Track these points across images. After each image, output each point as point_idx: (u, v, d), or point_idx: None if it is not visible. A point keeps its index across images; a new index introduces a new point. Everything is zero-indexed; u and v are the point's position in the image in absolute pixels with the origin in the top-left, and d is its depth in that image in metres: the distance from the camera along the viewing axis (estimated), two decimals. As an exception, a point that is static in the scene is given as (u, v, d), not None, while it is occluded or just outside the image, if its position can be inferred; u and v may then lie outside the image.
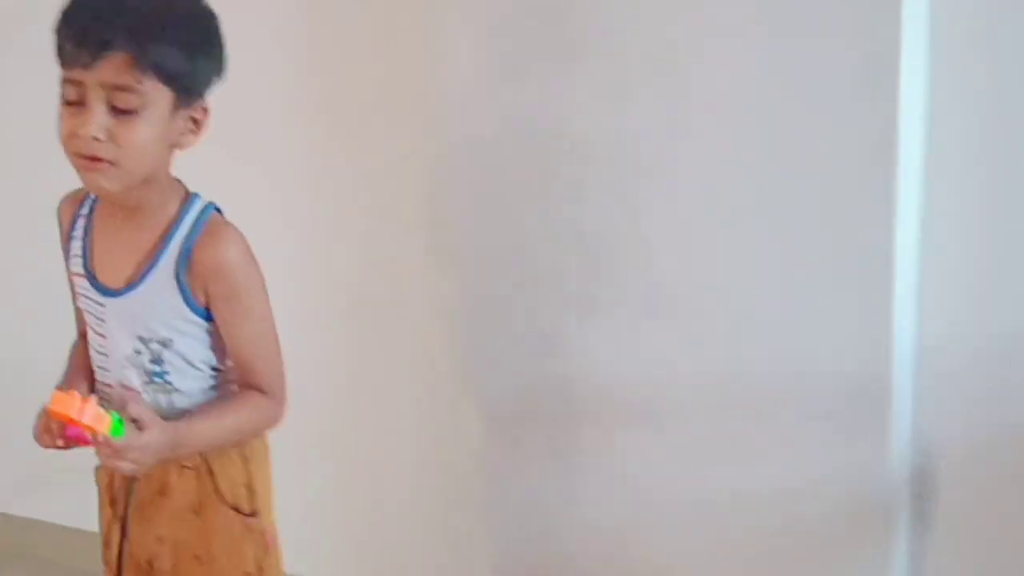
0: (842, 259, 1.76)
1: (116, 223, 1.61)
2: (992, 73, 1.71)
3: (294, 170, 2.19)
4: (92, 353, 1.66)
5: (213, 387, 1.64)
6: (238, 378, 1.64)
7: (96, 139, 1.47)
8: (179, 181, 1.61)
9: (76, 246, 1.64)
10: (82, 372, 1.68)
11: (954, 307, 1.78)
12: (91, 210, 1.64)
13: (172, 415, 1.59)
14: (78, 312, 1.70)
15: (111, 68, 1.45)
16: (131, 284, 1.58)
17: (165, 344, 1.59)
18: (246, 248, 1.58)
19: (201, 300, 1.58)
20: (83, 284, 1.63)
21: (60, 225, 1.69)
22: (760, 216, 1.81)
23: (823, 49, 1.73)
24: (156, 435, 1.52)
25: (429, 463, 2.19)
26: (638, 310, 1.93)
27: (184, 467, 1.63)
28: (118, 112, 1.47)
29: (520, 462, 2.09)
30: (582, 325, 1.98)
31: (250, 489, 1.66)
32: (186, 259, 1.56)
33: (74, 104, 1.48)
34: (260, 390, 1.62)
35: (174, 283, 1.57)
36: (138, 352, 1.60)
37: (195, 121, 1.55)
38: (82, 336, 1.71)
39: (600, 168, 1.92)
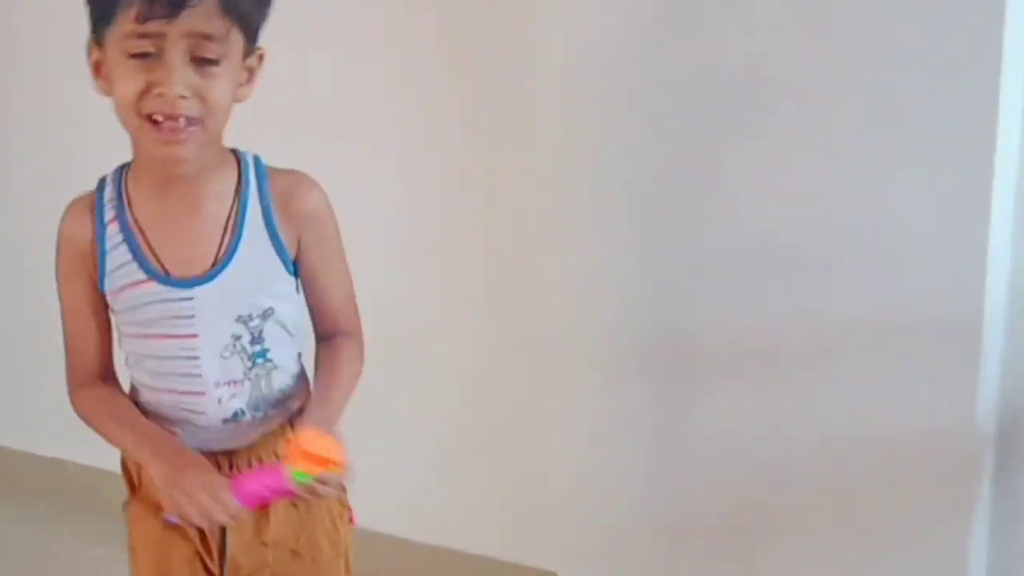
0: (939, 202, 1.69)
1: (170, 205, 1.43)
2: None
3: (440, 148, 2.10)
4: (155, 377, 1.46)
5: (298, 356, 1.53)
6: (321, 327, 1.52)
7: (183, 97, 1.31)
8: None
9: (119, 255, 1.43)
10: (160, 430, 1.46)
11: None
12: (120, 211, 1.43)
13: (273, 396, 1.49)
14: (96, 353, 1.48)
15: (200, 16, 1.30)
16: (223, 260, 1.42)
17: (266, 316, 1.45)
18: (324, 192, 1.49)
19: (293, 252, 1.46)
20: (148, 290, 1.42)
21: (65, 250, 1.45)
22: (858, 163, 1.74)
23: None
24: (328, 427, 1.40)
25: (543, 416, 2.13)
26: (733, 261, 1.88)
27: None
28: (199, 62, 1.32)
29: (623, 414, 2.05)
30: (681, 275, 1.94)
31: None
32: (273, 211, 1.43)
33: (143, 58, 1.31)
34: (344, 333, 1.52)
35: (268, 241, 1.44)
36: (238, 337, 1.44)
37: (250, 71, 1.41)
38: (107, 387, 1.49)
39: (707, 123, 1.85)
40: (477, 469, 2.23)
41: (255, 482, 1.38)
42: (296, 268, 1.47)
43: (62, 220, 1.46)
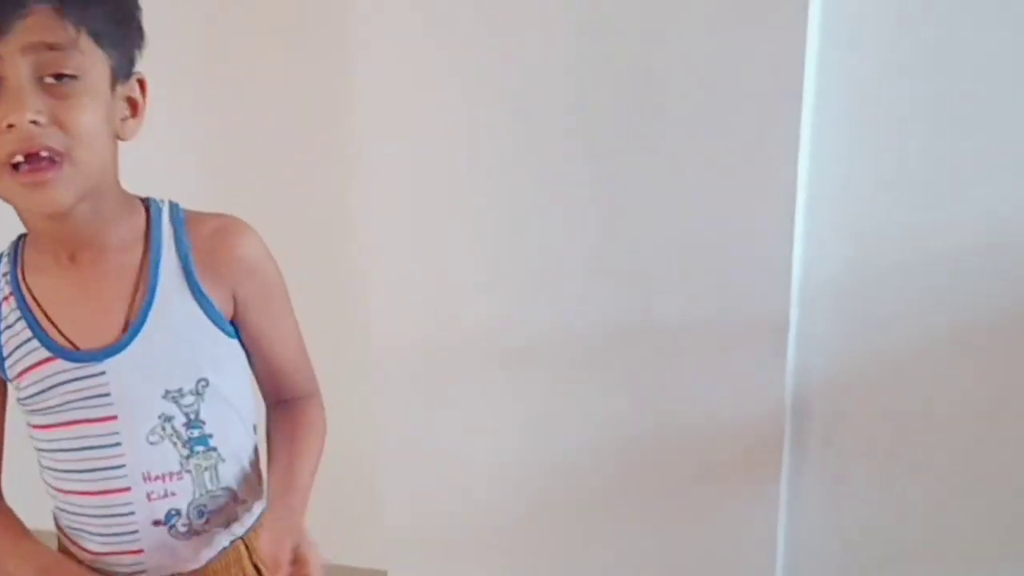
0: (748, 204, 1.92)
1: (68, 270, 1.23)
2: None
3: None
4: (72, 476, 1.24)
5: (252, 445, 1.32)
6: (273, 393, 1.35)
7: (36, 123, 1.10)
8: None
9: (17, 334, 1.23)
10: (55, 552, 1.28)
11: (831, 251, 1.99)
12: (15, 284, 1.24)
13: (219, 496, 1.28)
14: None
15: (35, 25, 1.11)
16: (135, 324, 1.21)
17: (200, 390, 1.23)
18: (260, 236, 1.31)
19: (228, 310, 1.26)
20: (54, 369, 1.22)
21: None
22: (674, 164, 1.93)
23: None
24: (296, 528, 1.24)
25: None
26: (565, 264, 2.01)
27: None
28: (52, 86, 1.12)
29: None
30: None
31: None
32: (192, 260, 1.24)
33: None
34: (303, 395, 1.36)
35: (190, 296, 1.23)
36: (168, 418, 1.23)
37: (132, 103, 1.22)
38: None
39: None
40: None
41: None
42: (235, 328, 1.28)
43: None
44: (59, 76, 1.13)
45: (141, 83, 1.23)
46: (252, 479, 1.33)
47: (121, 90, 1.20)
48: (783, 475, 2.03)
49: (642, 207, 1.97)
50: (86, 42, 1.14)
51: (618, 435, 2.05)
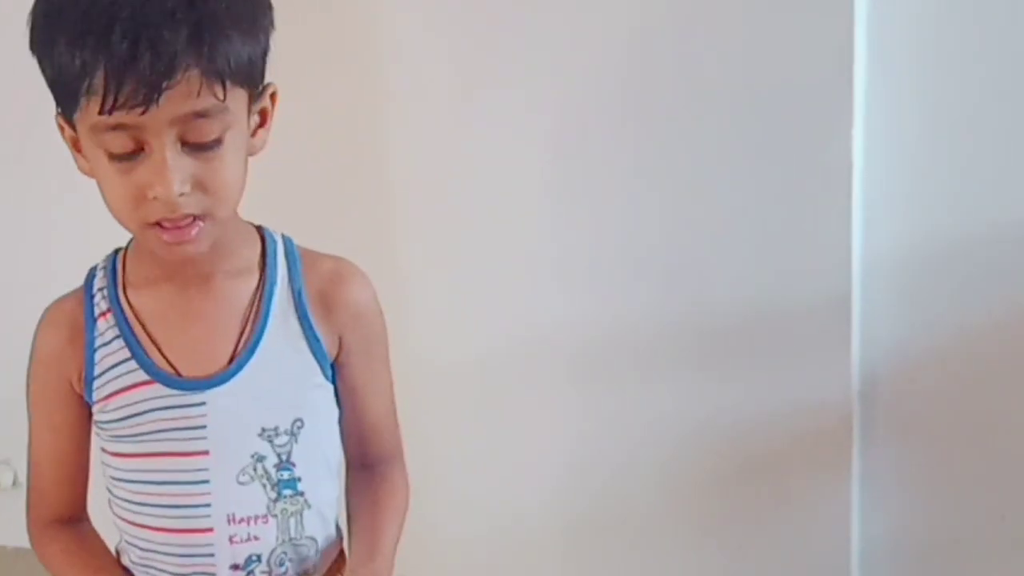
0: (802, 183, 1.86)
1: (180, 293, 1.17)
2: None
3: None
4: (149, 510, 1.18)
5: (337, 499, 1.25)
6: (358, 451, 1.27)
7: (183, 195, 1.06)
8: None
9: (111, 353, 1.17)
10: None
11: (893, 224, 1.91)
12: (114, 300, 1.18)
13: (302, 547, 1.20)
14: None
15: (184, 93, 1.03)
16: (242, 356, 1.16)
17: (294, 432, 1.17)
18: (373, 285, 1.25)
19: (333, 353, 1.21)
20: (150, 394, 1.16)
21: (40, 356, 1.20)
22: (725, 152, 1.88)
23: None
24: None
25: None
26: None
27: None
28: (196, 150, 1.06)
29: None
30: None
31: None
32: (306, 298, 1.19)
33: (126, 157, 1.05)
34: (388, 458, 1.28)
35: (300, 333, 1.18)
36: (260, 457, 1.16)
37: (263, 113, 1.15)
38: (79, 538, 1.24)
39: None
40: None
41: None
42: (333, 373, 1.23)
43: (39, 322, 1.20)
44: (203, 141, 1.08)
45: (272, 95, 1.16)
46: (332, 532, 1.26)
47: (255, 107, 1.13)
48: (854, 463, 1.94)
49: (693, 193, 1.91)
50: (235, 91, 1.08)
51: (679, 431, 1.98)
